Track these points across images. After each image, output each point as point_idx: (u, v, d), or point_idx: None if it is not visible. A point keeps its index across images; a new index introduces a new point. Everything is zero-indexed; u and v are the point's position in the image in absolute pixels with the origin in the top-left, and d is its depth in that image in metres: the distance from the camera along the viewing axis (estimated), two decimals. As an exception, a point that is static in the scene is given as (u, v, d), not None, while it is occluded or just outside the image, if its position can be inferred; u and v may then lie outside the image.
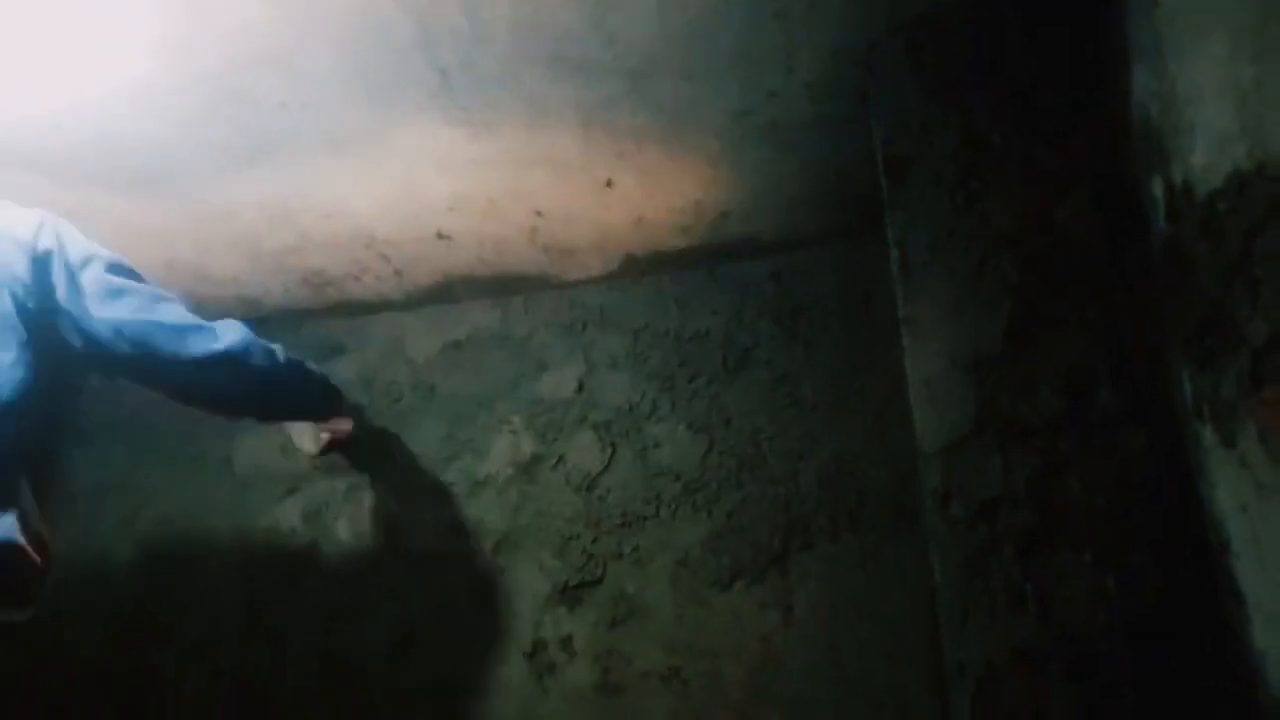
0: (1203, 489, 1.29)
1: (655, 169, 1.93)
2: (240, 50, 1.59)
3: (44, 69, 1.61)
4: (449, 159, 1.88)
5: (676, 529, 2.09)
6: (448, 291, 2.34)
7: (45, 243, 1.54)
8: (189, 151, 1.84)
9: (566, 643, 2.06)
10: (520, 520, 2.18)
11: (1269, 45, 1.04)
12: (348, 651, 2.15)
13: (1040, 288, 1.43)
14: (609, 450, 2.18)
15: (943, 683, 1.57)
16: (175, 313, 1.67)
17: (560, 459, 2.20)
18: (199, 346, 1.67)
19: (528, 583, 2.12)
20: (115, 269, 1.63)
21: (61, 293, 1.55)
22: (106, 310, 1.58)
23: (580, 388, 2.25)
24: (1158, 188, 1.33)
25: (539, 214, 2.07)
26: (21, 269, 1.51)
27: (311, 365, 1.98)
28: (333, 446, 2.23)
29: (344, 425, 2.19)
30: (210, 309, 2.23)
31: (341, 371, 2.37)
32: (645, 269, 2.27)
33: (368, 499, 2.26)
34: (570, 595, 2.09)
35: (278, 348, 1.84)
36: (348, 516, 2.26)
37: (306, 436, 2.21)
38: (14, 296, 1.49)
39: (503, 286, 2.33)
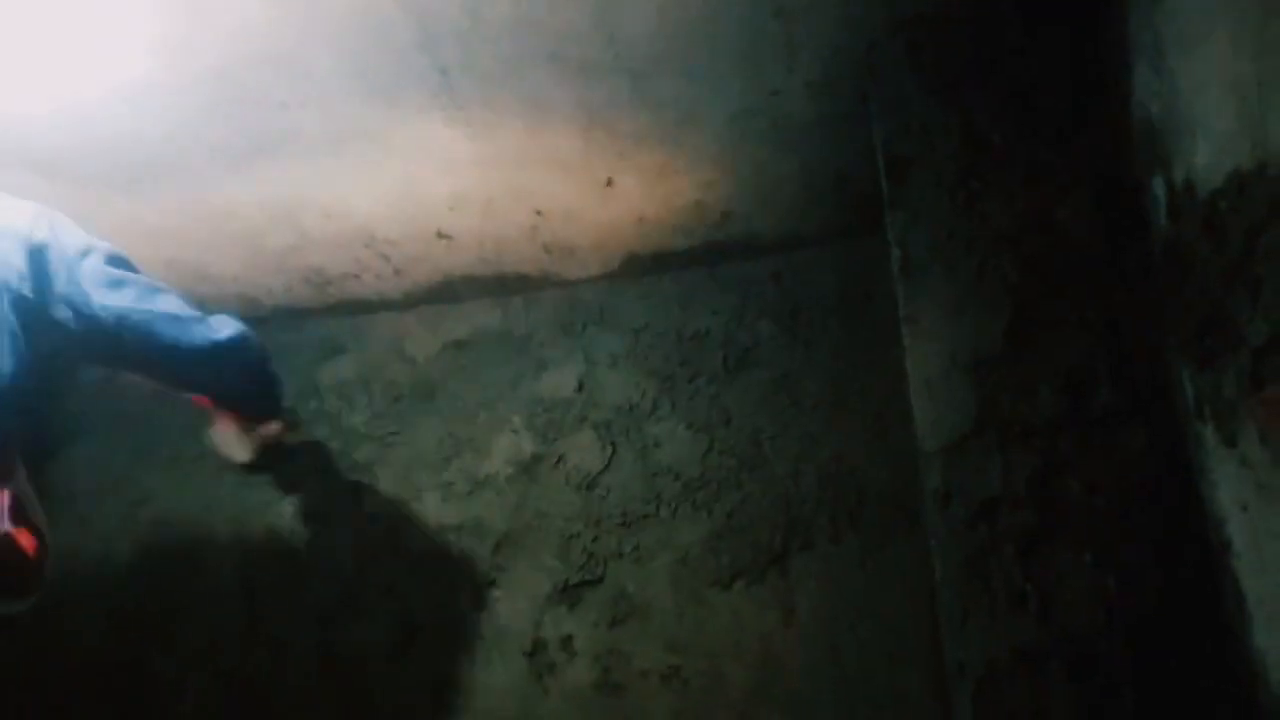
0: (1203, 489, 1.29)
1: (656, 168, 1.93)
2: (240, 50, 1.59)
3: (45, 69, 1.61)
4: (449, 158, 1.88)
5: (677, 528, 2.08)
6: (448, 291, 2.34)
7: (41, 234, 1.54)
8: (189, 151, 1.85)
9: (567, 642, 2.06)
10: (520, 519, 2.17)
11: (1270, 43, 1.04)
12: (347, 650, 2.15)
13: (1041, 287, 1.43)
14: (609, 450, 2.18)
15: (943, 682, 1.57)
16: (174, 303, 1.70)
17: (560, 458, 2.20)
18: (198, 336, 1.71)
19: (528, 582, 2.12)
20: (113, 260, 1.64)
21: (61, 283, 1.55)
22: (109, 299, 1.59)
23: (580, 387, 2.24)
24: (1159, 187, 1.33)
25: (539, 213, 2.07)
26: (18, 259, 1.51)
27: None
28: (264, 449, 2.21)
29: (277, 428, 2.18)
30: (211, 308, 2.22)
31: (342, 371, 2.37)
32: (646, 268, 2.27)
33: (367, 498, 2.26)
34: (570, 594, 2.09)
35: (265, 345, 1.90)
36: (348, 516, 2.26)
37: (236, 445, 2.19)
38: (7, 288, 1.49)
39: (503, 286, 2.33)
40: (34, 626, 2.25)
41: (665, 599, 2.04)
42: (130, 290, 1.63)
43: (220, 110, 1.73)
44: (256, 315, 2.37)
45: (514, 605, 2.11)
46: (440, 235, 2.13)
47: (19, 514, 1.52)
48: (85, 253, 1.59)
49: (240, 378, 1.88)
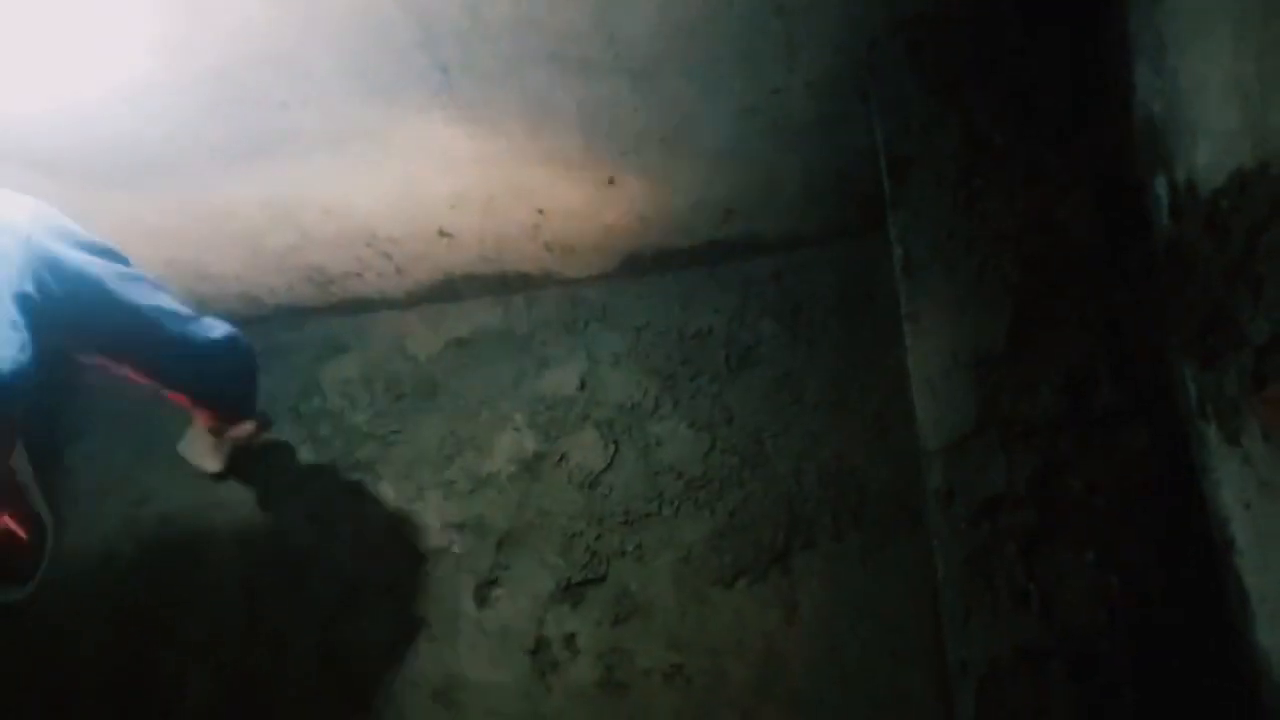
0: (1206, 487, 1.29)
1: (657, 167, 1.93)
2: (241, 49, 1.59)
3: (46, 69, 1.61)
4: (450, 157, 1.88)
5: (679, 527, 2.08)
6: (450, 289, 2.34)
7: (41, 230, 1.55)
8: (190, 150, 1.85)
9: (570, 640, 2.06)
10: (523, 518, 2.18)
11: (1272, 42, 1.04)
12: (348, 649, 2.15)
13: (1042, 287, 1.43)
14: (611, 448, 2.18)
15: (945, 681, 1.57)
16: (174, 301, 1.76)
17: (563, 457, 2.20)
18: (197, 334, 1.79)
19: (531, 580, 2.12)
20: (113, 256, 1.66)
21: (64, 277, 1.56)
22: (118, 292, 1.64)
23: (582, 385, 2.24)
24: (1161, 186, 1.33)
25: (541, 212, 2.07)
26: (18, 255, 1.51)
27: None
28: (235, 453, 2.24)
29: (250, 429, 2.20)
30: (212, 308, 2.24)
31: (344, 369, 2.38)
32: (647, 267, 2.27)
33: (369, 496, 2.26)
34: (573, 593, 2.09)
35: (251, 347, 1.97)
36: (349, 514, 2.26)
37: (207, 456, 2.23)
38: (9, 282, 1.49)
39: (505, 284, 2.33)
40: (36, 625, 2.26)
41: (668, 597, 2.04)
42: (140, 286, 1.68)
43: (221, 110, 1.73)
44: (258, 314, 2.38)
45: (516, 603, 2.11)
46: (442, 234, 2.13)
47: (16, 501, 1.52)
48: (89, 249, 1.61)
49: (227, 376, 1.97)
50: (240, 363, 1.96)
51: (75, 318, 1.59)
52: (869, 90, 1.66)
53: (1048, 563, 1.34)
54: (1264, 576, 1.16)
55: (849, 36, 1.60)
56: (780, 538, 2.02)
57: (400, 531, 2.22)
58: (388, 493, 2.26)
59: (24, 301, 1.49)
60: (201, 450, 2.23)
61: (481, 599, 2.13)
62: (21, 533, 1.54)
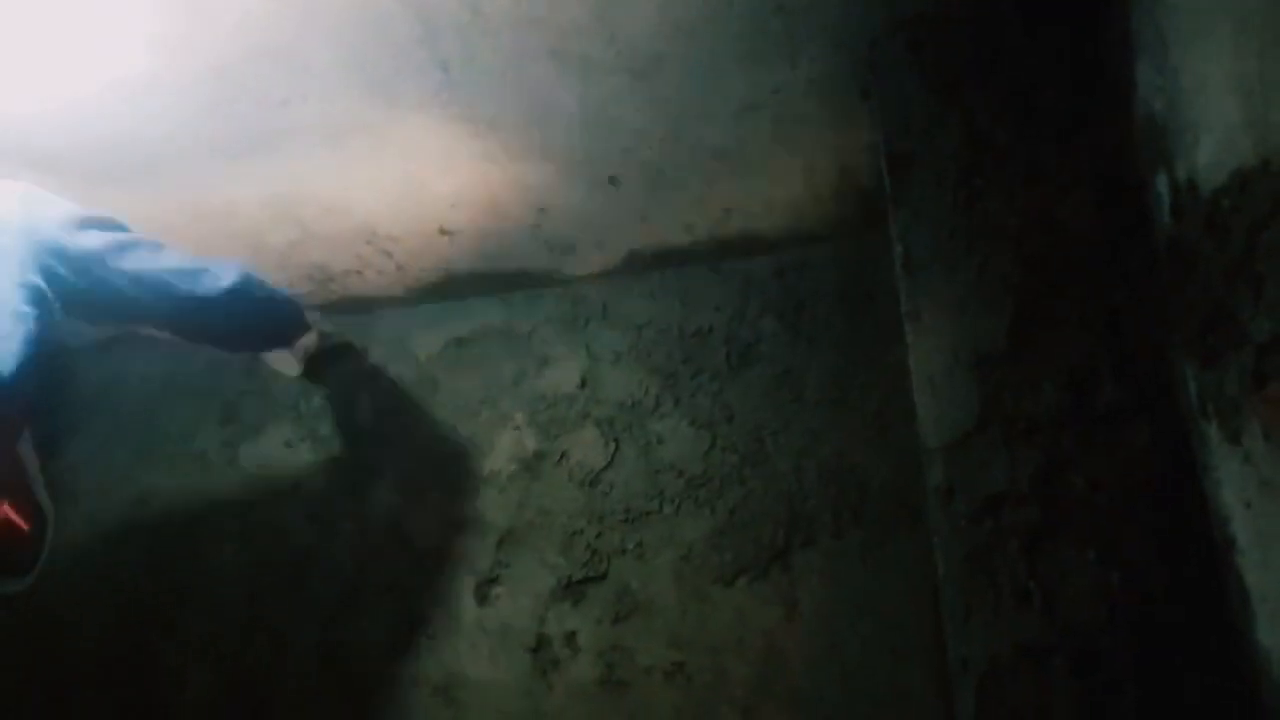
0: (1207, 486, 1.29)
1: (658, 165, 1.92)
2: (240, 46, 1.59)
3: (45, 68, 1.61)
4: (451, 154, 1.88)
5: (680, 525, 2.09)
6: (450, 287, 2.34)
7: (34, 213, 1.55)
8: (190, 148, 1.84)
9: (570, 638, 2.07)
10: (524, 516, 2.18)
11: (1273, 40, 1.04)
12: (349, 648, 2.15)
13: (1042, 285, 1.43)
14: (612, 446, 2.18)
15: (946, 679, 1.57)
16: (178, 257, 1.75)
17: (563, 455, 2.20)
18: (209, 286, 1.77)
19: (531, 578, 2.13)
20: (108, 225, 1.66)
21: (67, 256, 1.56)
22: (121, 263, 1.64)
23: (583, 383, 2.25)
24: (1162, 184, 1.33)
25: (542, 210, 2.06)
26: (18, 244, 1.51)
27: (278, 288, 2.04)
28: (312, 360, 2.26)
29: (311, 339, 2.21)
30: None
31: (345, 368, 2.38)
32: (648, 265, 2.26)
33: (371, 496, 2.27)
34: (574, 591, 2.10)
35: (265, 279, 1.95)
36: (350, 513, 2.26)
37: (285, 362, 2.24)
38: (8, 274, 1.49)
39: (505, 282, 2.32)
40: (38, 620, 2.26)
41: (668, 595, 2.04)
42: (138, 251, 1.68)
43: (221, 107, 1.73)
44: (259, 313, 2.37)
45: (517, 602, 2.11)
46: (442, 231, 2.13)
47: (20, 491, 1.52)
48: (83, 223, 1.61)
49: (252, 318, 1.95)
50: (258, 300, 1.92)
51: (86, 297, 1.60)
52: (870, 89, 1.66)
53: (1049, 560, 1.34)
54: (1265, 575, 1.16)
55: (850, 35, 1.60)
56: (781, 535, 2.02)
57: (400, 530, 2.22)
58: (388, 491, 2.26)
59: (32, 292, 1.50)
60: (280, 359, 2.24)
61: (482, 597, 2.13)
62: (23, 524, 1.54)
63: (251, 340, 2.09)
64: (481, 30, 1.57)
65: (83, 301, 1.61)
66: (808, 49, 1.63)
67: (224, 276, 1.80)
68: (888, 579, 1.94)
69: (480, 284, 2.33)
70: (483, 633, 2.11)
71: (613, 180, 1.97)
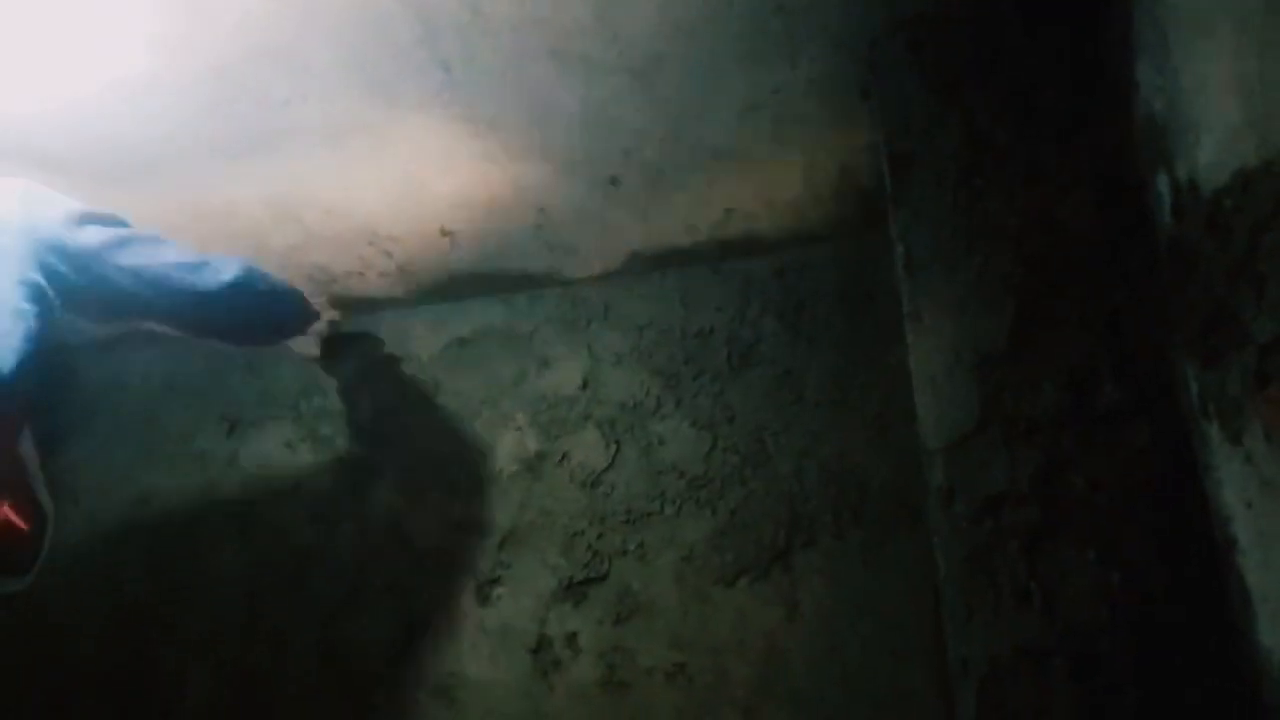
0: (1208, 486, 1.28)
1: (658, 165, 1.92)
2: (240, 46, 1.59)
3: (45, 68, 1.61)
4: (452, 155, 1.88)
5: (681, 525, 2.08)
6: (451, 288, 2.34)
7: (33, 210, 1.55)
8: (191, 149, 1.85)
9: (571, 639, 2.07)
10: (525, 517, 2.18)
11: (1275, 40, 1.04)
12: (349, 648, 2.15)
13: (1043, 285, 1.42)
14: (613, 447, 2.18)
15: (946, 679, 1.57)
16: (179, 251, 1.74)
17: (564, 456, 2.20)
18: (210, 280, 1.76)
19: (532, 579, 2.13)
20: (106, 220, 1.66)
21: (66, 254, 1.56)
22: (121, 259, 1.63)
23: (584, 384, 2.24)
24: (1163, 184, 1.33)
25: (543, 210, 2.06)
26: (17, 242, 1.51)
27: (281, 281, 2.00)
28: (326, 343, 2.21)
29: (322, 327, 2.16)
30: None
31: (346, 368, 2.38)
32: (649, 265, 2.26)
33: (371, 496, 2.27)
34: (575, 592, 2.09)
35: (268, 272, 1.93)
36: (351, 514, 2.26)
37: (305, 344, 2.18)
38: (8, 271, 1.49)
39: (507, 283, 2.32)
40: (37, 621, 2.26)
41: (669, 596, 2.04)
42: (138, 246, 1.67)
43: (221, 108, 1.73)
44: (260, 313, 2.37)
45: (518, 602, 2.11)
46: (443, 232, 2.13)
47: (20, 490, 1.52)
48: (81, 218, 1.61)
49: (255, 311, 1.92)
50: (261, 293, 1.89)
51: (86, 294, 1.60)
52: (870, 89, 1.66)
53: (1050, 561, 1.34)
54: (1266, 576, 1.16)
55: (850, 35, 1.59)
56: (781, 536, 2.02)
57: (401, 530, 2.22)
58: (389, 492, 2.26)
59: (32, 289, 1.50)
60: (300, 342, 2.18)
61: (483, 598, 2.13)
62: (23, 523, 1.53)
63: (254, 334, 2.05)
64: (482, 30, 1.57)
65: (83, 298, 1.60)
66: (808, 49, 1.63)
67: (225, 270, 1.79)
68: (888, 579, 1.94)
69: (481, 284, 2.33)
70: (483, 633, 2.11)
71: (613, 180, 1.97)
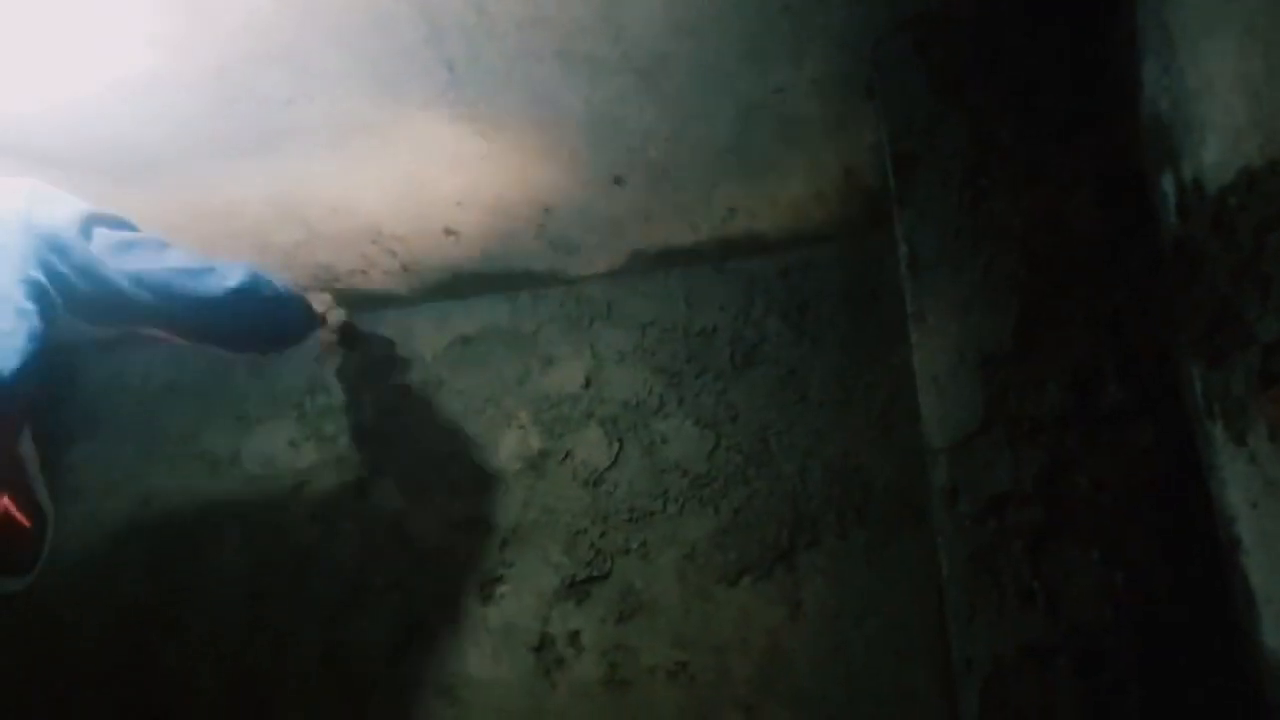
0: (1213, 486, 1.28)
1: (662, 164, 1.92)
2: (243, 46, 1.59)
3: (46, 68, 1.61)
4: (456, 154, 1.88)
5: (684, 524, 2.09)
6: (455, 286, 2.34)
7: (38, 210, 1.54)
8: (193, 149, 1.85)
9: (574, 638, 2.07)
10: (528, 515, 2.18)
11: (1280, 40, 1.04)
12: (351, 647, 2.15)
13: (1048, 285, 1.42)
14: (616, 445, 2.18)
15: (950, 679, 1.57)
16: (183, 256, 1.72)
17: (568, 454, 2.20)
18: (213, 286, 1.74)
19: (535, 577, 2.13)
20: (112, 222, 1.65)
21: (70, 255, 1.56)
22: (123, 263, 1.62)
23: (587, 383, 2.25)
24: (1168, 184, 1.32)
25: (547, 209, 2.06)
26: (20, 240, 1.51)
27: (286, 288, 1.98)
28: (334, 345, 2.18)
29: (329, 336, 2.14)
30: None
31: (349, 366, 2.38)
32: (653, 264, 2.27)
33: (374, 495, 2.27)
34: (578, 590, 2.10)
35: (274, 278, 1.90)
36: (354, 512, 2.26)
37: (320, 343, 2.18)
38: (11, 268, 1.49)
39: (510, 282, 2.33)
40: (39, 622, 2.26)
41: (672, 595, 2.04)
42: (142, 250, 1.66)
43: (223, 107, 1.73)
44: (263, 312, 2.37)
45: (521, 601, 2.11)
46: (447, 231, 2.13)
47: (21, 490, 1.52)
48: (86, 220, 1.60)
49: (259, 318, 1.89)
50: (266, 300, 1.86)
51: (87, 298, 1.59)
52: (874, 88, 1.66)
53: (1054, 560, 1.34)
54: (1270, 576, 1.16)
55: (854, 35, 1.59)
56: (785, 535, 2.02)
57: (403, 529, 2.23)
58: (391, 490, 2.26)
59: (34, 288, 1.49)
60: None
61: (485, 596, 2.13)
62: (24, 522, 1.53)
63: (256, 341, 2.02)
64: (487, 30, 1.57)
65: (84, 301, 1.59)
66: (812, 49, 1.63)
67: (230, 276, 1.76)
68: (892, 579, 1.94)
69: (485, 283, 2.33)
70: (486, 632, 2.11)
71: (618, 180, 1.97)
